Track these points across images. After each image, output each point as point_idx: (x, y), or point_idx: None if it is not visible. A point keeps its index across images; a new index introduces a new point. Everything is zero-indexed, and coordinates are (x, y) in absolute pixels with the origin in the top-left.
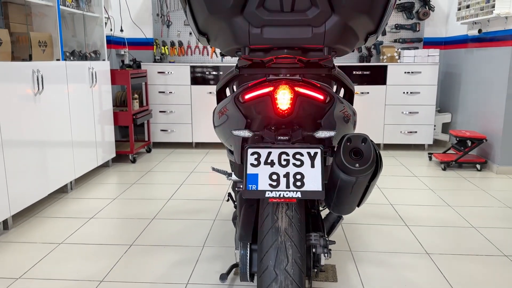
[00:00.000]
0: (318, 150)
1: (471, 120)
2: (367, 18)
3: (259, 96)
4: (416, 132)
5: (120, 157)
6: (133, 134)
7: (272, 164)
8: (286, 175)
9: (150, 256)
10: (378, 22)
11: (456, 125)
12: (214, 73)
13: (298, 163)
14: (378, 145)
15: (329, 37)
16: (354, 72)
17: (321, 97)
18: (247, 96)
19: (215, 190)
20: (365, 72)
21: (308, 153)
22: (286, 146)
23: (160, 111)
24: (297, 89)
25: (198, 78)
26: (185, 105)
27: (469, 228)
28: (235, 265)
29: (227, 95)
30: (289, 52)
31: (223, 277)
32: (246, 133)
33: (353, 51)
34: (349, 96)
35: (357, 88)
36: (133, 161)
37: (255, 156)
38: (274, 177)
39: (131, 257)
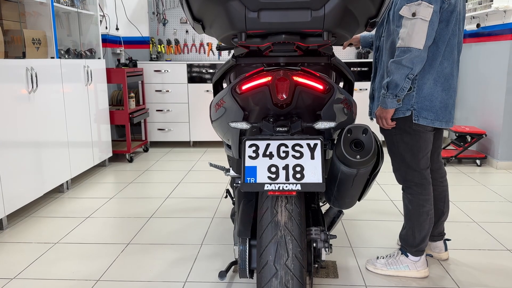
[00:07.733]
0: (318, 141)
1: (471, 115)
2: (367, 1)
3: (257, 87)
4: None
5: (117, 157)
6: (130, 133)
7: (270, 156)
8: (286, 167)
9: (147, 255)
10: (379, 6)
11: (455, 120)
12: (211, 71)
13: (297, 155)
14: None
15: (329, 20)
16: (352, 68)
17: (320, 86)
18: (244, 87)
19: (213, 189)
20: (363, 69)
21: (308, 145)
22: (285, 137)
23: (157, 110)
24: (296, 78)
25: (195, 76)
26: (182, 103)
27: (470, 223)
28: (234, 263)
29: (224, 87)
30: (287, 38)
31: (222, 274)
32: (243, 125)
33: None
34: (349, 87)
35: (355, 85)
36: (130, 160)
37: (253, 148)
38: (273, 169)
39: (128, 256)
